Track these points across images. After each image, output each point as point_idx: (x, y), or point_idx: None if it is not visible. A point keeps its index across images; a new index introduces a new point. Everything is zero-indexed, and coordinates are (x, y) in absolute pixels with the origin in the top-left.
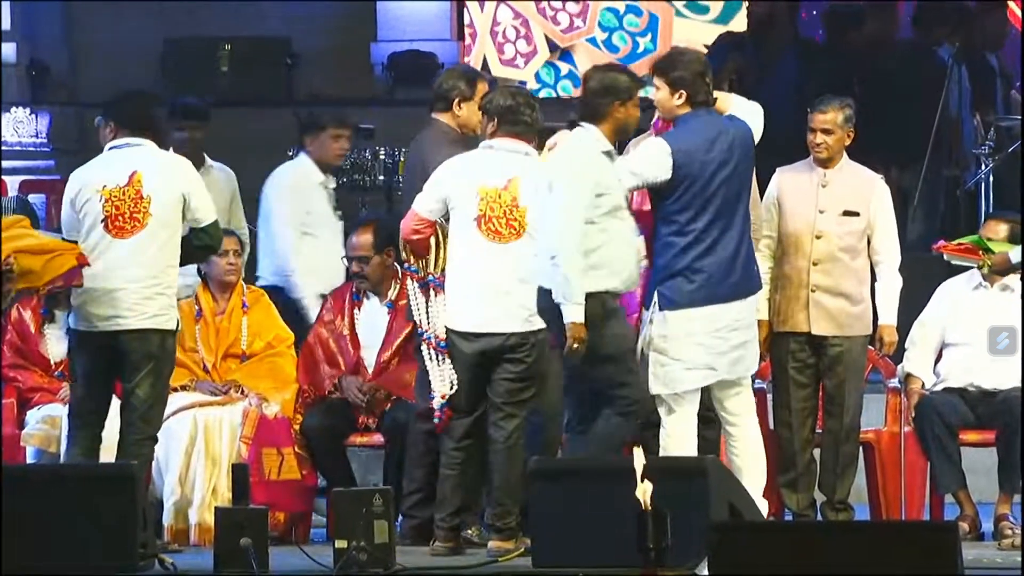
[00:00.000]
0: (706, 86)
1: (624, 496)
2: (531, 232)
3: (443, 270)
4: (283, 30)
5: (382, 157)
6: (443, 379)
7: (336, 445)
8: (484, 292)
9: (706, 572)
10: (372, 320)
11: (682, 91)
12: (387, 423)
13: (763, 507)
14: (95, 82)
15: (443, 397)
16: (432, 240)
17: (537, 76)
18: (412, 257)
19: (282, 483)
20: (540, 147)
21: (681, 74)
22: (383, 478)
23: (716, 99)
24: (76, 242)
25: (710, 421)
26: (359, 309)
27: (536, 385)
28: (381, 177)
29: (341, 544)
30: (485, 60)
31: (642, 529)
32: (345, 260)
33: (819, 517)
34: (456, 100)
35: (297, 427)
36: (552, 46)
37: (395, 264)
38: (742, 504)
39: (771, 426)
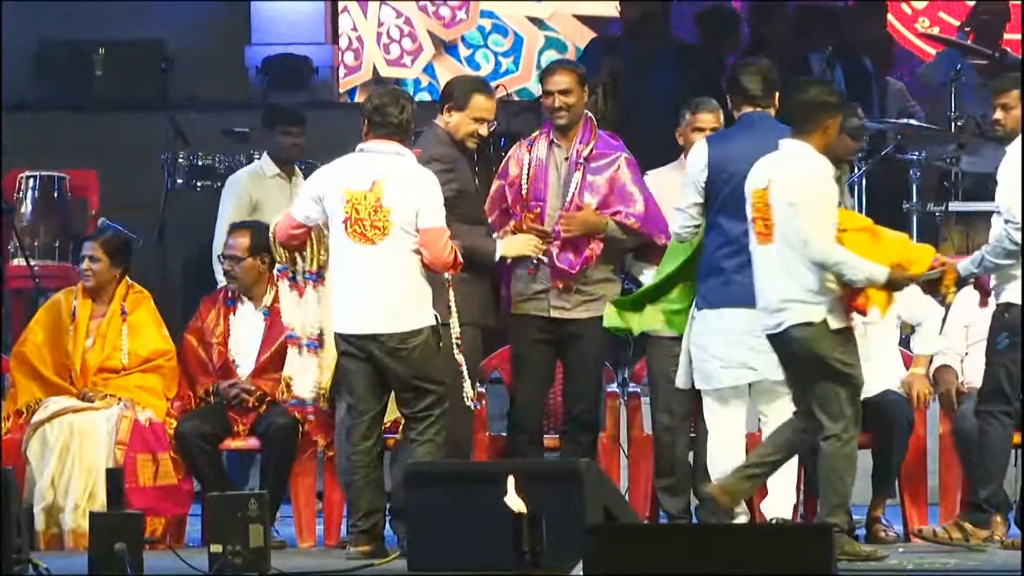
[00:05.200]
0: (744, 87)
1: (500, 499)
2: (396, 233)
3: (319, 266)
4: (158, 33)
5: (256, 161)
6: (305, 381)
7: (211, 450)
8: (357, 295)
9: (581, 575)
10: (247, 325)
11: (730, 93)
12: (262, 427)
13: (788, 507)
14: None
15: (298, 397)
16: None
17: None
18: (285, 254)
19: (158, 489)
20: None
21: (730, 75)
22: (259, 482)
23: (770, 105)
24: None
25: (588, 426)
26: (234, 314)
27: (436, 388)
28: None
29: (216, 548)
30: (374, 66)
31: (517, 532)
32: (220, 260)
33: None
34: (447, 105)
35: (171, 432)
36: (437, 41)
37: (270, 271)
38: (617, 507)
39: (646, 430)
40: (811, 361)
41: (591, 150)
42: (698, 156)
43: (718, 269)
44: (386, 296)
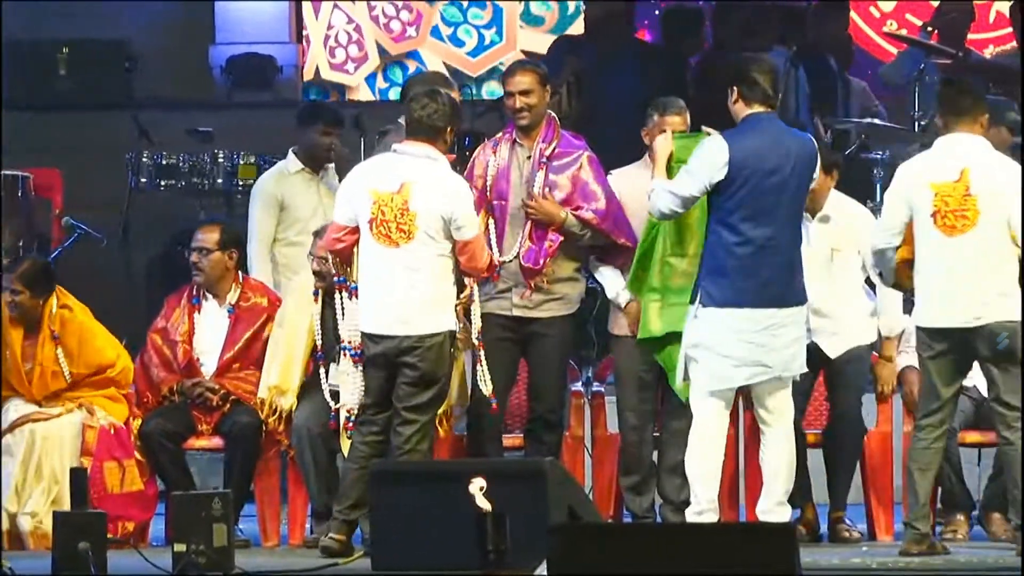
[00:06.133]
0: (761, 85)
1: (464, 499)
2: (421, 237)
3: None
4: (121, 32)
5: (221, 160)
6: (352, 391)
7: (175, 449)
8: (379, 296)
9: (545, 574)
10: (212, 323)
11: (733, 88)
12: (226, 426)
13: (786, 515)
14: None
15: (348, 411)
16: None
17: (385, 75)
18: (342, 266)
19: (125, 495)
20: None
21: (734, 73)
22: (223, 482)
23: (776, 105)
24: None
25: (552, 425)
26: (199, 312)
27: (437, 390)
28: (219, 180)
29: (180, 548)
30: (317, 67)
31: (482, 531)
32: (187, 253)
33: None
34: None
35: (135, 432)
36: (383, 52)
37: (236, 268)
38: (581, 506)
39: (610, 429)
40: (1008, 356)
41: (553, 149)
42: (717, 152)
43: (728, 269)
44: (407, 300)
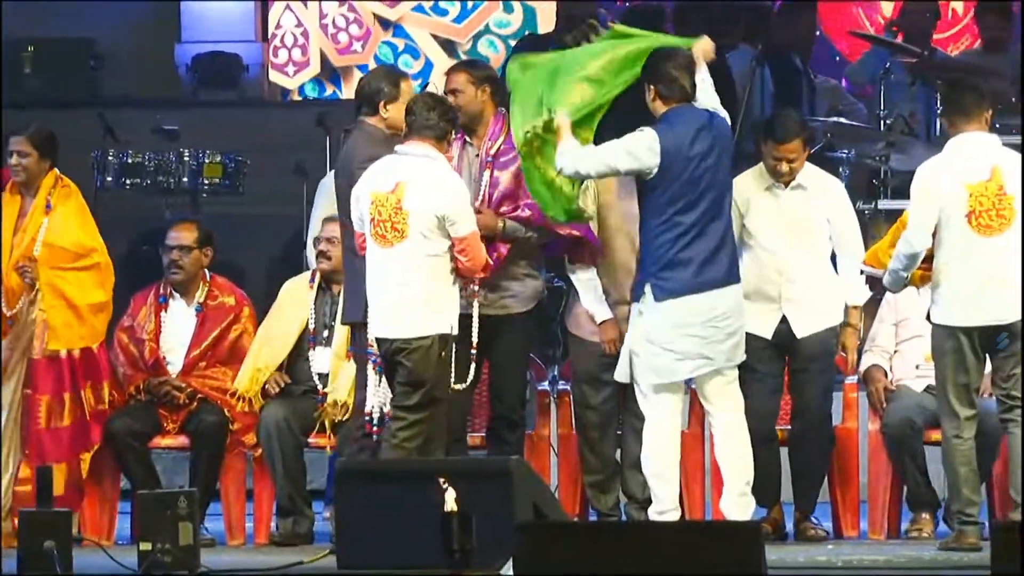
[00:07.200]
0: (679, 82)
1: (430, 498)
2: (415, 236)
3: None
4: (87, 31)
5: (186, 159)
6: (375, 394)
7: (141, 449)
8: (375, 297)
9: (511, 573)
10: (179, 322)
11: (651, 86)
12: (192, 425)
13: (750, 506)
14: None
15: (367, 414)
16: None
17: (376, 57)
18: None
19: (53, 431)
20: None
21: (651, 71)
22: (188, 480)
23: (695, 94)
24: None
25: (514, 424)
26: (166, 311)
27: (425, 391)
28: (185, 179)
29: (145, 546)
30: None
31: (447, 531)
32: (162, 251)
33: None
34: (381, 102)
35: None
36: (325, 63)
37: (206, 268)
38: (547, 505)
39: (575, 427)
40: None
41: (499, 146)
42: (652, 140)
43: (673, 261)
44: (400, 300)
